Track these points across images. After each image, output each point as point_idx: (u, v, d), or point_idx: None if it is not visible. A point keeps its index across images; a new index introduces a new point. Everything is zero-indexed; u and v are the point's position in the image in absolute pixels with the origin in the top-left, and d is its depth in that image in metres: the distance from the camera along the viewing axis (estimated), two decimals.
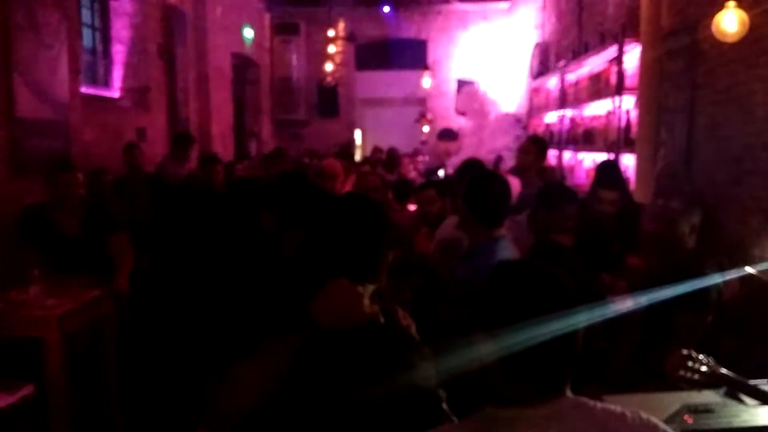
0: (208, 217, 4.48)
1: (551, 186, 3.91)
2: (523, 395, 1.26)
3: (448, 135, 12.22)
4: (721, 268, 3.06)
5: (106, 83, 6.50)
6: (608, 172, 4.56)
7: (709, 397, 2.10)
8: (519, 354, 1.24)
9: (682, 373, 1.71)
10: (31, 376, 3.22)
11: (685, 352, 1.72)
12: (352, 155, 8.88)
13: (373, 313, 1.43)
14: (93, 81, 6.24)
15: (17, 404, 3.09)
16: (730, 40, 3.56)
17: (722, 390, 2.11)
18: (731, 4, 3.46)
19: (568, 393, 1.29)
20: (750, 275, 2.93)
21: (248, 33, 11.03)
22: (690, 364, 1.70)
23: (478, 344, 1.31)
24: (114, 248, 3.99)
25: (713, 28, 3.58)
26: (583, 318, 1.29)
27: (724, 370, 1.71)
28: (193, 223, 4.59)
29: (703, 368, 1.69)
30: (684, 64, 4.66)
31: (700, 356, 1.71)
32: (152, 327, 4.04)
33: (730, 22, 3.46)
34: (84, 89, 5.59)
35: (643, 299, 2.70)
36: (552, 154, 8.22)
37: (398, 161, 8.18)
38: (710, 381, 1.71)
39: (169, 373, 3.50)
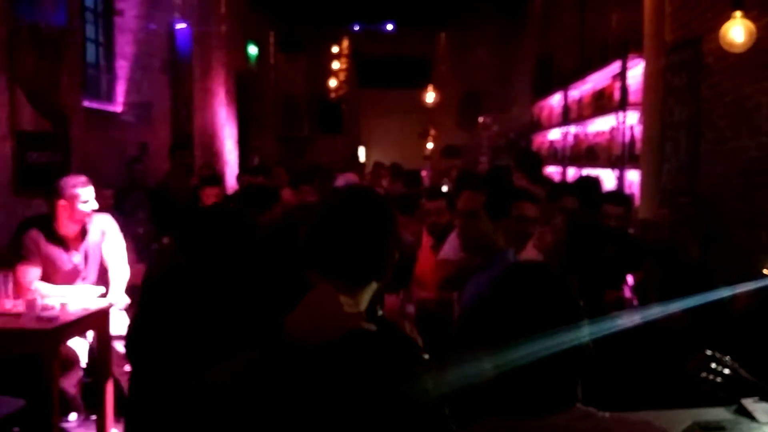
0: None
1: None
2: (534, 407, 1.21)
3: (452, 152, 12.19)
4: (728, 282, 3.01)
5: (109, 98, 6.50)
6: (593, 187, 4.49)
7: (720, 414, 2.05)
8: (528, 367, 1.19)
9: (704, 374, 1.64)
10: (24, 392, 3.16)
11: (708, 352, 1.65)
12: (362, 169, 8.77)
13: (355, 320, 1.29)
14: (96, 95, 6.24)
15: (6, 421, 3.02)
16: (737, 50, 3.53)
17: (733, 407, 2.05)
18: (738, 14, 3.43)
19: (579, 404, 1.25)
20: None
21: (252, 50, 11.08)
22: (713, 365, 1.63)
23: (484, 357, 1.26)
24: (112, 261, 3.97)
25: (720, 39, 3.55)
26: (589, 329, 1.25)
27: (746, 374, 1.64)
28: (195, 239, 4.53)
29: (726, 370, 1.62)
30: (688, 78, 4.63)
31: (725, 358, 1.64)
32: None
33: (737, 33, 3.43)
34: (86, 103, 5.58)
35: (651, 313, 2.65)
36: (556, 171, 8.21)
37: (421, 180, 8.15)
38: (732, 384, 1.63)
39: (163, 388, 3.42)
